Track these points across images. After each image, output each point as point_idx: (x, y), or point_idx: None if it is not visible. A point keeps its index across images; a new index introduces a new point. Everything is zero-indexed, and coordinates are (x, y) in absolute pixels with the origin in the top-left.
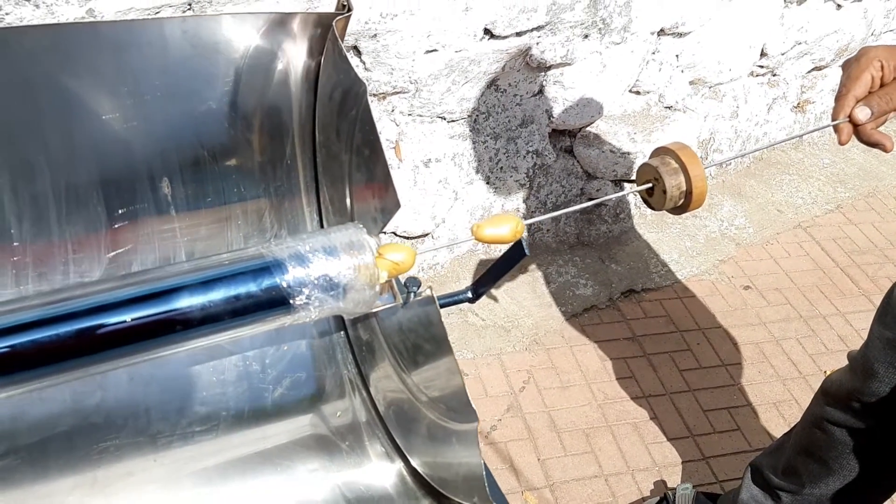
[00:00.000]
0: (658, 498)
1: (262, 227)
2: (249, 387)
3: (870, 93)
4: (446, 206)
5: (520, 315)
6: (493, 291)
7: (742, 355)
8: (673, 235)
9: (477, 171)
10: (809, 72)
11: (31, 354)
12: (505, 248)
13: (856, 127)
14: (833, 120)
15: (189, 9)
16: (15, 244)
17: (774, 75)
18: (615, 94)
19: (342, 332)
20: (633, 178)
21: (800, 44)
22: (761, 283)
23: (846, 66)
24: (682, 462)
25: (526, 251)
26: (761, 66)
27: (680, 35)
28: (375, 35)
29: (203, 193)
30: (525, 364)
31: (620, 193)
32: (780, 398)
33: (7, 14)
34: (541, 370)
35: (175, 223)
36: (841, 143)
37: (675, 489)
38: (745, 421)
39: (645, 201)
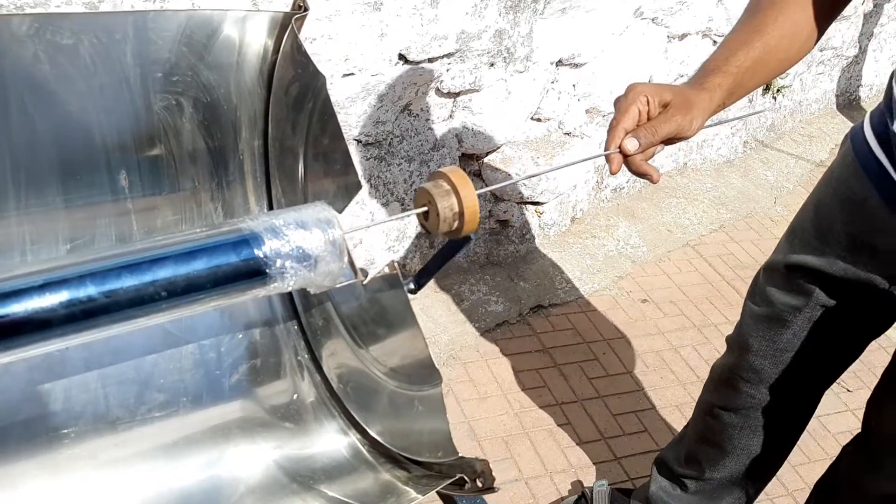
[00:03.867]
0: (576, 497)
1: (214, 217)
2: (206, 374)
3: (638, 125)
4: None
5: (436, 332)
6: None
7: (645, 363)
8: (574, 254)
9: (392, 193)
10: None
11: (24, 322)
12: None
13: (626, 157)
14: (605, 150)
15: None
16: None
17: None
18: (519, 121)
19: (294, 321)
20: (536, 199)
21: (682, 76)
22: (657, 296)
23: (616, 102)
24: (596, 463)
25: (471, 237)
26: None
27: (576, 66)
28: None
29: (158, 184)
30: (444, 378)
31: (395, 217)
32: (681, 401)
33: None
34: (459, 383)
35: (132, 213)
36: (612, 173)
37: (591, 487)
38: (651, 423)
39: (422, 226)
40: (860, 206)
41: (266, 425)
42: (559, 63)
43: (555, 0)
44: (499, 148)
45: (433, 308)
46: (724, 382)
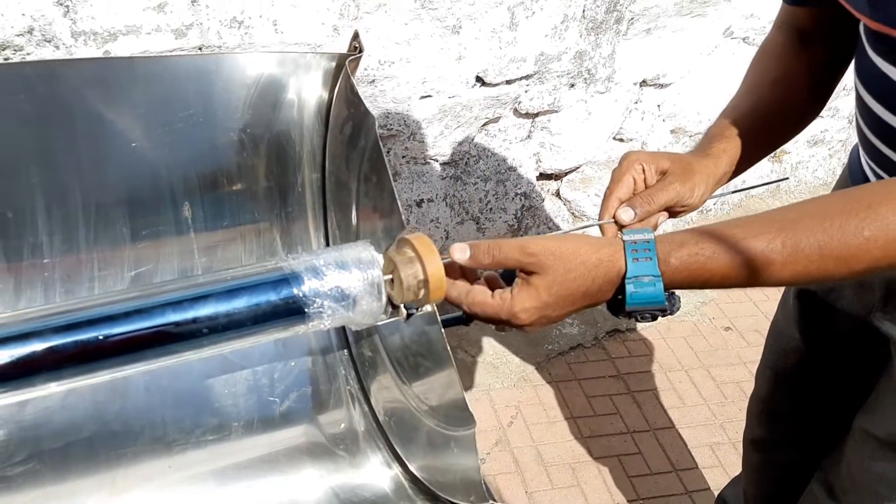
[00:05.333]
0: None
1: (273, 248)
2: (259, 399)
3: (634, 195)
4: (437, 245)
5: (508, 353)
6: (484, 330)
7: (724, 394)
8: None
9: (467, 212)
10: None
11: (75, 354)
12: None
13: (621, 227)
14: (599, 220)
15: (199, 50)
16: (45, 261)
17: None
18: (600, 141)
19: (345, 350)
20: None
21: None
22: (741, 324)
23: (613, 172)
24: (666, 496)
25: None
26: None
27: (661, 86)
28: (374, 81)
29: (220, 216)
30: (513, 400)
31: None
32: None
33: (28, 54)
34: (528, 406)
35: (193, 244)
36: None
37: None
38: (727, 457)
39: (388, 295)
40: None
41: (314, 452)
42: (643, 83)
43: (639, 21)
44: (578, 168)
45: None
46: (755, 416)
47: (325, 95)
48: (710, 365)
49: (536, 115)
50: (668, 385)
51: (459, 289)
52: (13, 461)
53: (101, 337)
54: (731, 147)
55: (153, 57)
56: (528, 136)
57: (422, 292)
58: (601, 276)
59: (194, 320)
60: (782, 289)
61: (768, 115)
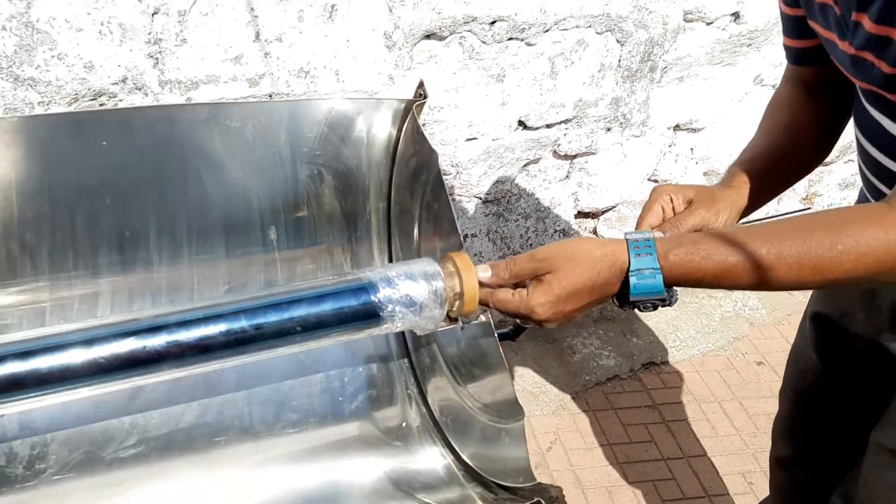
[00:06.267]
0: None
1: (342, 267)
2: (331, 399)
3: (664, 221)
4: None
5: (547, 382)
6: (523, 360)
7: (755, 425)
8: (690, 313)
9: (509, 247)
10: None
11: (190, 347)
12: None
13: None
14: None
15: (269, 97)
16: (154, 275)
17: None
18: (635, 182)
19: (405, 359)
20: None
21: None
22: (773, 359)
23: (644, 204)
24: None
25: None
26: None
27: (694, 130)
28: (424, 124)
29: (300, 238)
30: (552, 427)
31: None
32: None
33: (120, 101)
34: (567, 433)
35: (277, 262)
36: None
37: None
38: (759, 484)
39: None
40: None
41: (378, 444)
42: (676, 127)
43: (672, 69)
44: (615, 207)
45: (545, 359)
46: (779, 434)
47: (393, 135)
48: (742, 397)
49: (575, 156)
50: (701, 415)
51: (485, 292)
52: (125, 445)
53: (217, 332)
54: (751, 181)
55: (253, 102)
56: (567, 177)
57: (457, 303)
58: (606, 269)
59: (290, 319)
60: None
61: (781, 156)
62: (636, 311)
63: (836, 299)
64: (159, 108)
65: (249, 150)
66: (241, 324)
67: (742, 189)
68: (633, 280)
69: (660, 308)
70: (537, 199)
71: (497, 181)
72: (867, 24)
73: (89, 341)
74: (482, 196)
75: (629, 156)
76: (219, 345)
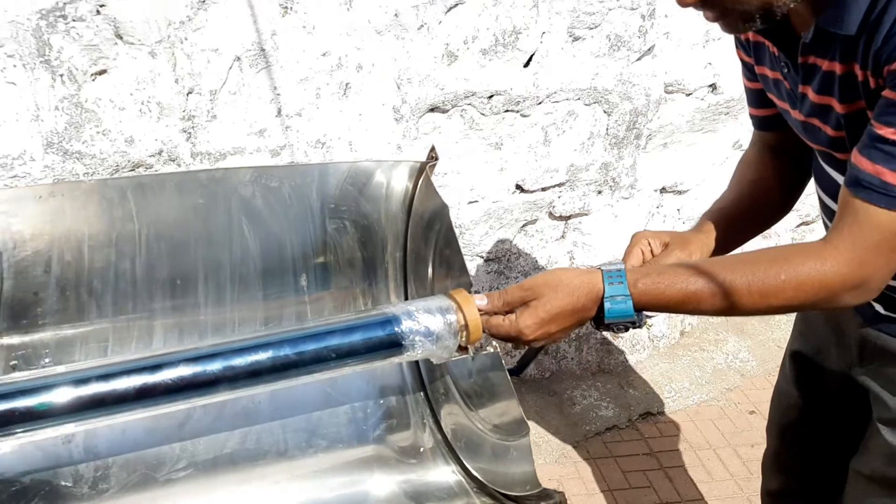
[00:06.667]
0: None
1: (364, 308)
2: (356, 428)
3: (643, 264)
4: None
5: (549, 433)
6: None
7: (749, 470)
8: (683, 366)
9: None
10: (798, 226)
11: (243, 371)
12: None
13: None
14: None
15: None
16: (201, 316)
17: None
18: (626, 240)
19: (422, 392)
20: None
21: None
22: (765, 408)
23: (626, 248)
24: None
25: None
26: None
27: (680, 192)
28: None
29: (326, 282)
30: (555, 474)
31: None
32: None
33: (157, 170)
34: (568, 479)
35: (307, 304)
36: None
37: None
38: None
39: None
40: None
41: (396, 464)
42: (663, 190)
43: (656, 136)
44: None
45: (547, 410)
46: (768, 469)
47: (409, 191)
48: (736, 444)
49: (569, 217)
50: (697, 462)
51: (482, 318)
52: (176, 468)
53: (265, 358)
54: (718, 228)
55: (291, 165)
56: (563, 236)
57: (463, 334)
58: (584, 295)
59: (326, 347)
60: None
61: (747, 208)
62: (610, 332)
63: (812, 337)
64: (210, 172)
65: (285, 207)
66: (286, 351)
67: (710, 234)
68: (607, 305)
69: (630, 330)
70: (535, 257)
71: (497, 241)
72: (811, 95)
73: (157, 367)
74: (484, 255)
75: (620, 216)
76: (266, 369)
